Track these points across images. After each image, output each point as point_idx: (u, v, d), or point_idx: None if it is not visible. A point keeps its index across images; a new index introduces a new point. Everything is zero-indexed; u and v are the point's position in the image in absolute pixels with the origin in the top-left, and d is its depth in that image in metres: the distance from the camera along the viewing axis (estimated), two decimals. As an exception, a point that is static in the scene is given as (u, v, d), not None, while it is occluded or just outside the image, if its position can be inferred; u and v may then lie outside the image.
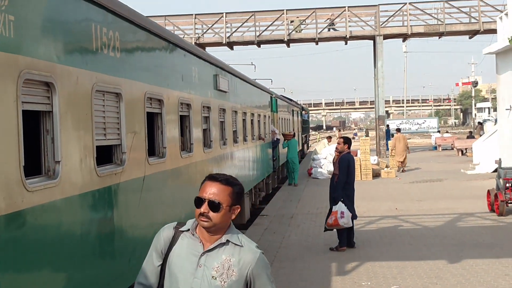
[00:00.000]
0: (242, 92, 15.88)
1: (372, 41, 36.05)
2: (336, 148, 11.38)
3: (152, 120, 8.18)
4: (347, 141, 11.30)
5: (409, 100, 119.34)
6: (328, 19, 35.34)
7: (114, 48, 6.43)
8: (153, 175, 7.61)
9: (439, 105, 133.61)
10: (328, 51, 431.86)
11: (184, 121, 9.80)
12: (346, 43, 36.98)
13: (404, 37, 36.84)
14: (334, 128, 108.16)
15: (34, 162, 5.24)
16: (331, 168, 24.79)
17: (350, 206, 11.04)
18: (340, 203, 11.01)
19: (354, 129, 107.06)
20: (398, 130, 29.92)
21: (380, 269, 9.76)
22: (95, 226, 5.79)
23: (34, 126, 5.20)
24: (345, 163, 11.03)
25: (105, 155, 6.70)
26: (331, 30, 35.71)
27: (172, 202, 8.57)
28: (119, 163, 6.57)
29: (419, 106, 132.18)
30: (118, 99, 6.56)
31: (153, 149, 8.10)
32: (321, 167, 25.82)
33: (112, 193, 6.25)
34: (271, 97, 23.16)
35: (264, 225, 14.25)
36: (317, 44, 36.24)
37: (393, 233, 12.65)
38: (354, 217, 11.20)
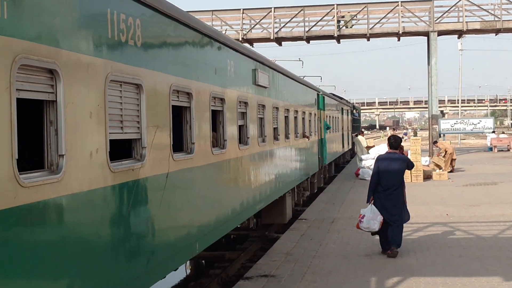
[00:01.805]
0: (285, 88, 15.37)
1: (426, 38, 34.92)
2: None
3: (180, 114, 7.78)
4: (388, 140, 10.77)
5: (464, 100, 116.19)
6: (349, 14, 34.27)
7: (134, 37, 6.03)
8: (178, 172, 7.20)
9: (495, 105, 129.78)
10: (380, 48, 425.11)
11: (217, 116, 9.37)
12: (398, 40, 35.94)
13: (459, 33, 35.55)
14: (388, 128, 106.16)
15: (39, 156, 4.88)
16: (379, 169, 24.01)
17: (380, 210, 10.28)
18: (370, 206, 10.38)
19: (405, 129, 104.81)
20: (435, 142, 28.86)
21: (425, 286, 8.56)
22: (106, 226, 5.40)
23: (37, 117, 4.85)
24: (375, 164, 10.50)
25: (124, 149, 6.33)
26: (341, 25, 34.59)
27: (201, 202, 8.14)
28: (139, 159, 6.17)
29: (475, 106, 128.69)
30: (138, 90, 6.16)
31: (180, 145, 7.70)
32: (370, 168, 24.59)
33: (129, 190, 5.85)
34: (318, 95, 22.55)
35: (301, 230, 13.22)
36: (368, 40, 35.31)
37: (442, 243, 11.31)
38: (388, 221, 10.27)
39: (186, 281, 11.97)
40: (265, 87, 12.56)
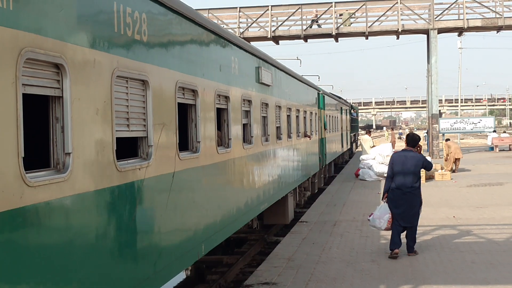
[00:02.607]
0: (287, 86, 15.19)
1: (425, 36, 34.80)
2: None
3: (185, 112, 7.60)
4: (406, 137, 10.52)
5: (461, 99, 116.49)
6: (347, 12, 34.19)
7: (140, 31, 5.84)
8: (184, 172, 7.02)
9: (493, 105, 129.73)
10: (378, 47, 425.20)
11: (221, 115, 9.19)
12: (398, 38, 35.77)
13: (460, 31, 35.38)
14: (384, 128, 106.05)
15: (44, 155, 4.69)
16: (380, 169, 23.69)
17: (393, 210, 10.02)
18: (383, 204, 10.17)
19: (401, 129, 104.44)
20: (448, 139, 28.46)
21: None
22: (113, 227, 5.21)
23: (43, 113, 4.66)
24: (390, 161, 10.27)
25: (129, 148, 6.14)
26: (313, 26, 34.57)
27: (207, 202, 7.96)
28: (145, 157, 5.98)
29: (473, 105, 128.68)
30: (144, 86, 5.98)
31: (185, 143, 7.51)
32: (370, 168, 24.25)
33: (136, 190, 5.66)
34: (318, 94, 22.38)
35: (302, 234, 12.65)
36: (367, 38, 35.16)
37: (452, 248, 10.65)
38: (400, 221, 10.01)
39: (183, 286, 11.56)
40: (268, 85, 12.38)
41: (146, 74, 5.95)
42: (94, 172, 4.87)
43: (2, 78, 3.73)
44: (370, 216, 10.29)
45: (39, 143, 5.26)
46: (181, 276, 11.93)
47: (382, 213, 10.05)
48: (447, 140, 28.00)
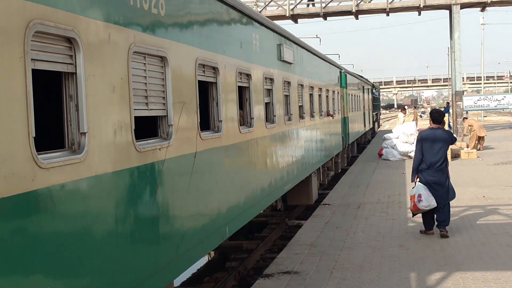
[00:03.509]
0: (309, 65, 14.81)
1: (447, 12, 33.99)
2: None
3: (206, 91, 7.31)
4: (431, 115, 10.07)
5: (482, 77, 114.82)
6: None
7: (158, 5, 5.54)
8: (206, 152, 6.75)
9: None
10: (399, 25, 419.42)
11: (243, 93, 8.89)
12: (419, 14, 34.97)
13: (483, 5, 34.50)
14: (406, 107, 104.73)
15: (58, 135, 4.43)
16: (404, 148, 23.24)
17: (429, 189, 9.69)
18: (417, 185, 9.78)
19: (423, 108, 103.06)
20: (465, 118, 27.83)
21: (475, 283, 7.30)
22: (133, 210, 4.96)
23: (56, 90, 4.40)
24: (418, 141, 9.86)
25: (149, 128, 5.88)
26: (310, 5, 33.88)
27: (230, 184, 7.69)
28: (165, 137, 5.72)
29: (495, 83, 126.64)
30: (163, 63, 5.69)
31: (206, 123, 7.23)
32: (393, 148, 23.77)
33: (156, 171, 5.40)
34: (340, 72, 21.94)
35: (325, 217, 11.94)
36: (387, 15, 34.40)
37: (484, 230, 10.06)
38: (438, 200, 9.69)
39: (200, 275, 10.92)
40: (290, 63, 12.04)
41: (165, 50, 5.66)
42: (111, 153, 4.61)
43: (9, 52, 3.46)
44: (416, 199, 9.68)
45: (54, 124, 5.01)
46: (202, 261, 11.55)
47: (428, 191, 9.64)
48: (465, 118, 27.45)
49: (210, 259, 12.04)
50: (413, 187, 9.93)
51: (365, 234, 10.29)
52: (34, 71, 3.75)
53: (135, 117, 5.06)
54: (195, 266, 11.27)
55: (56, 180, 3.86)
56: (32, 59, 3.68)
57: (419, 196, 9.70)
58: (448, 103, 37.88)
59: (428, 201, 9.64)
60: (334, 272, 8.06)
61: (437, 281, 7.48)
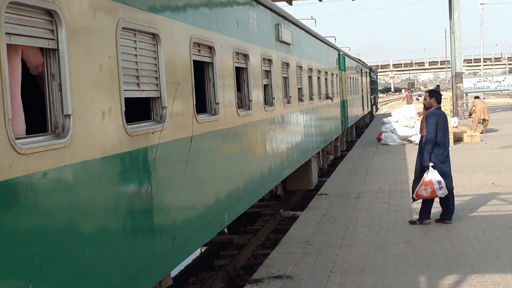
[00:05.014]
0: (308, 46, 14.41)
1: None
2: (423, 104, 9.60)
3: (202, 71, 6.93)
4: (434, 94, 9.36)
5: (480, 59, 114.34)
6: None
7: (148, -22, 5.15)
8: (203, 136, 6.39)
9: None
10: (396, 5, 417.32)
11: (241, 75, 8.51)
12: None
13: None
14: (403, 90, 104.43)
15: (40, 118, 4.06)
16: (404, 132, 22.79)
17: (446, 175, 9.13)
18: (433, 170, 9.02)
19: (419, 91, 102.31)
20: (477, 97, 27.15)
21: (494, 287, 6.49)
22: (125, 198, 4.61)
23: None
24: (432, 119, 9.08)
25: (141, 110, 5.51)
26: None
27: (228, 169, 7.34)
28: (159, 120, 5.36)
29: (492, 64, 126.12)
30: (155, 41, 5.31)
31: (203, 105, 6.87)
32: (393, 132, 23.23)
33: (149, 156, 5.04)
34: (339, 54, 21.53)
35: (322, 209, 10.95)
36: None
37: (498, 222, 9.15)
38: (449, 188, 9.18)
39: (185, 275, 9.62)
40: (289, 44, 11.64)
41: (157, 27, 5.28)
42: (99, 137, 4.24)
43: (-20, 24, 3.09)
44: (435, 185, 8.96)
45: (34, 105, 4.64)
46: (188, 259, 10.43)
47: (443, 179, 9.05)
48: (477, 98, 26.78)
49: (197, 255, 11.04)
50: (426, 172, 9.08)
51: (366, 228, 9.40)
52: (10, 46, 3.38)
53: (126, 99, 4.69)
54: (181, 265, 10.05)
55: (37, 167, 3.50)
56: (7, 33, 3.31)
57: (439, 182, 8.99)
58: (438, 85, 37.30)
59: (445, 189, 9.07)
60: (332, 276, 7.16)
61: (451, 286, 6.64)
